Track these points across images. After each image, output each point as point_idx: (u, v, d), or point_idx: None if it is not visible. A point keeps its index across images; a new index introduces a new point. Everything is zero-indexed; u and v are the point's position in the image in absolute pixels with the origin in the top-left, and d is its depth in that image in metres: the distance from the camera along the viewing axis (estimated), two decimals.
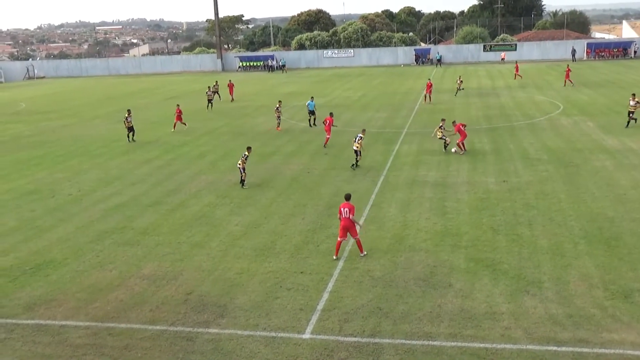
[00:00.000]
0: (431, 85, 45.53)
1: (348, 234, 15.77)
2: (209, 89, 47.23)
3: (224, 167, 26.83)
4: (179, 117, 37.15)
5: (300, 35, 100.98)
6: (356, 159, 25.64)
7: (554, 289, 13.59)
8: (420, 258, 15.70)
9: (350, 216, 15.52)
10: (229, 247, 17.09)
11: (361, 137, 25.23)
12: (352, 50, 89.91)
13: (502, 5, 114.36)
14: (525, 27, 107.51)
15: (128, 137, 34.18)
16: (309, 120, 37.14)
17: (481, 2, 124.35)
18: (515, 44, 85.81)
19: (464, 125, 27.74)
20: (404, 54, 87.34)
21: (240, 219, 19.55)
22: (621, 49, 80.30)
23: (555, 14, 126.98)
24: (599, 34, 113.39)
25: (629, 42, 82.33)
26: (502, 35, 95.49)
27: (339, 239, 15.88)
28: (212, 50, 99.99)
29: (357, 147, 25.09)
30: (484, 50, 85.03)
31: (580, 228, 17.33)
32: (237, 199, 21.84)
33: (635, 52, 79.09)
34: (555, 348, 11.26)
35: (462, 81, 49.64)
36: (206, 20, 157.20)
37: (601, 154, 26.16)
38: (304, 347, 11.73)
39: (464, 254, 15.86)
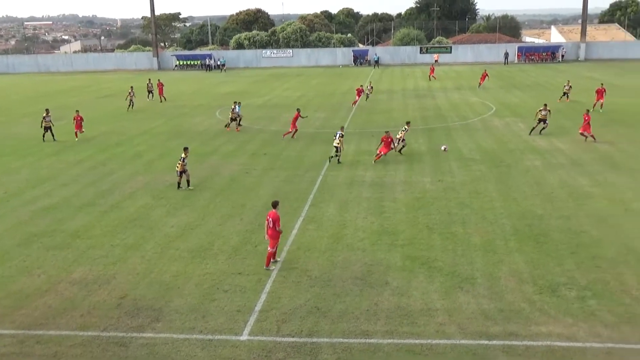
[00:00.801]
0: (361, 91, 44.94)
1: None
2: (132, 90, 45.49)
3: (160, 168, 26.29)
4: (79, 125, 33.10)
5: (238, 35, 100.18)
6: (337, 155, 26.42)
7: (486, 285, 13.99)
8: (358, 257, 15.85)
9: (277, 227, 14.83)
10: (165, 249, 16.75)
11: (342, 135, 26.49)
12: (291, 51, 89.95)
13: (438, 9, 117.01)
14: (460, 30, 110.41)
15: (44, 137, 32.82)
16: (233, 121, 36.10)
17: (418, 5, 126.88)
18: (451, 47, 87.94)
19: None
20: (343, 55, 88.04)
21: (177, 221, 19.19)
22: (550, 53, 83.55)
23: (488, 18, 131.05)
24: (529, 38, 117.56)
25: (557, 47, 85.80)
26: (438, 38, 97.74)
27: (269, 249, 15.20)
28: (148, 48, 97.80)
29: (338, 144, 26.20)
30: (420, 52, 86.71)
31: (511, 226, 17.91)
32: (173, 200, 21.44)
33: (562, 56, 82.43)
34: (486, 342, 11.59)
35: (372, 87, 49.06)
36: (142, 18, 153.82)
37: (531, 154, 27.12)
38: (241, 349, 11.62)
39: (401, 252, 16.11)
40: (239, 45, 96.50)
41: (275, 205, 15.15)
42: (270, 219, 14.84)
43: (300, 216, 19.24)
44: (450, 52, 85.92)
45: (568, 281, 14.08)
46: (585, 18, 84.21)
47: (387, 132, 26.57)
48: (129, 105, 44.62)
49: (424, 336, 11.88)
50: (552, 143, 29.26)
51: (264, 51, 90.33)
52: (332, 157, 26.62)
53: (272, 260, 15.31)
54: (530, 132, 31.47)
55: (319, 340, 11.86)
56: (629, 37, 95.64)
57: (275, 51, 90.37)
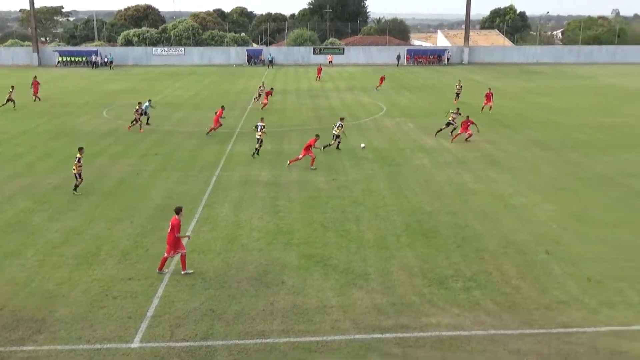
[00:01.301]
0: (270, 93, 44.54)
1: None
2: (12, 89, 42.40)
3: (42, 170, 24.77)
4: None
5: (127, 31, 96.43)
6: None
7: (379, 280, 14.38)
8: (254, 257, 15.75)
9: (176, 234, 14.34)
10: (47, 256, 15.78)
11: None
12: (183, 49, 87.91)
13: (331, 10, 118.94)
14: (352, 32, 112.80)
15: None
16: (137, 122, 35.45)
17: (311, 7, 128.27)
18: (343, 48, 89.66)
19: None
20: (237, 54, 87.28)
21: (61, 225, 18.15)
22: (436, 56, 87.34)
23: (379, 21, 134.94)
24: (418, 42, 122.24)
25: (442, 50, 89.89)
26: (330, 39, 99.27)
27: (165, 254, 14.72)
28: (27, 43, 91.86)
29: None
30: (314, 53, 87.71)
31: (402, 222, 18.52)
32: (57, 204, 20.26)
33: (448, 59, 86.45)
34: (380, 335, 11.90)
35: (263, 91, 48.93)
36: (20, 10, 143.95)
37: (420, 153, 28.21)
38: (132, 357, 11.19)
39: (296, 251, 16.20)
40: (128, 42, 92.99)
41: (177, 211, 14.66)
42: (170, 225, 14.41)
43: (194, 218, 18.84)
44: (343, 54, 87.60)
45: (455, 273, 14.77)
46: (468, 24, 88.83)
47: (317, 135, 26.30)
48: (11, 104, 41.41)
49: (320, 333, 12.01)
50: (440, 142, 30.59)
51: (154, 49, 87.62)
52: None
53: (183, 271, 14.66)
54: (436, 133, 32.04)
55: (214, 343, 11.66)
56: (508, 42, 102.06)
57: (166, 49, 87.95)
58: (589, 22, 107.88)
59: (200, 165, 25.77)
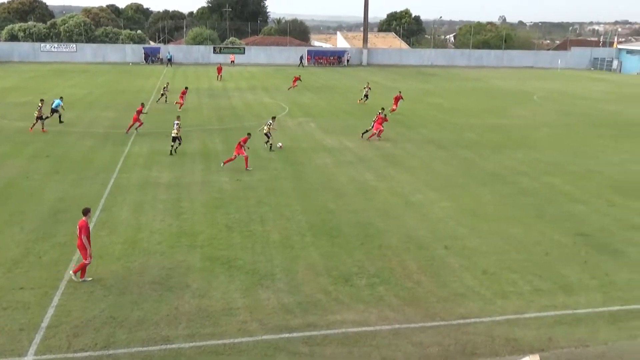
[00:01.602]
0: (185, 92, 43.31)
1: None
2: None
3: None
4: None
5: (11, 25, 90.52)
6: (174, 145, 27.29)
7: (285, 280, 14.40)
8: (156, 261, 15.29)
9: (82, 236, 13.73)
10: None
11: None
12: (74, 45, 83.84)
13: (230, 10, 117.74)
14: (253, 32, 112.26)
15: None
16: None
17: (210, 5, 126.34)
18: (244, 48, 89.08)
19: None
20: (133, 52, 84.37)
21: None
22: (336, 57, 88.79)
23: (279, 21, 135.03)
24: (318, 43, 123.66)
25: (342, 51, 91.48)
26: (231, 39, 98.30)
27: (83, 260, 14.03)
28: None
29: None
30: (214, 52, 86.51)
31: (306, 221, 18.66)
32: None
33: (348, 60, 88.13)
34: (287, 335, 11.92)
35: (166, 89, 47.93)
36: None
37: (323, 153, 28.55)
38: None
39: (200, 253, 15.89)
40: (13, 37, 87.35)
41: (85, 212, 14.06)
42: (78, 228, 13.78)
43: (91, 222, 17.99)
44: (244, 53, 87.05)
45: (359, 270, 15.07)
46: (366, 26, 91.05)
47: (248, 133, 26.09)
48: None
49: (227, 336, 11.85)
50: (341, 142, 31.11)
51: (43, 45, 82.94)
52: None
53: (81, 278, 13.98)
54: (362, 134, 32.35)
55: (116, 351, 11.20)
56: (404, 45, 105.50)
57: (56, 45, 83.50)
58: (479, 28, 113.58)
59: (97, 167, 24.68)
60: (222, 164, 25.13)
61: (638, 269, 15.55)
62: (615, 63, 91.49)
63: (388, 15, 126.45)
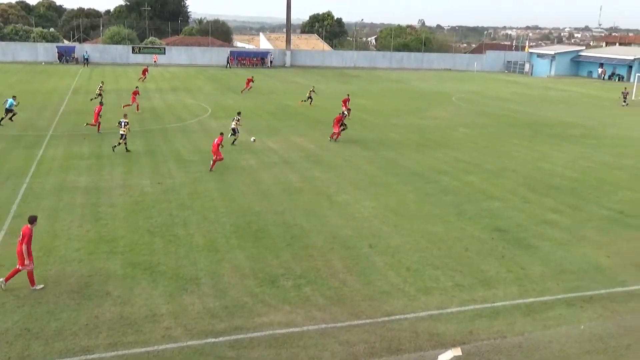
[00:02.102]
0: (137, 92, 42.02)
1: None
2: None
3: None
4: None
5: None
6: (121, 142, 27.50)
7: (210, 284, 14.17)
8: (74, 269, 14.67)
9: (23, 244, 13.20)
10: None
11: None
12: None
13: (149, 9, 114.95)
14: (173, 32, 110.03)
15: None
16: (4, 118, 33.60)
17: (127, 3, 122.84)
18: (164, 48, 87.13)
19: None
20: (46, 51, 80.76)
21: None
22: (259, 59, 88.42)
23: (200, 21, 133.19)
24: (241, 44, 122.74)
25: (265, 53, 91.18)
26: (150, 38, 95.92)
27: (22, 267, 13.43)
28: None
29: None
30: (133, 52, 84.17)
31: (231, 224, 18.44)
32: None
33: (271, 61, 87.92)
34: (213, 339, 11.72)
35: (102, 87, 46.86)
36: None
37: (247, 154, 28.32)
38: None
39: (121, 259, 15.38)
40: None
41: (31, 220, 13.66)
42: (20, 234, 13.40)
43: (1, 230, 17.06)
44: (164, 54, 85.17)
45: (285, 272, 15.03)
46: (289, 27, 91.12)
47: (221, 133, 26.13)
48: None
49: (151, 343, 11.52)
50: (265, 143, 30.97)
51: None
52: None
53: (33, 286, 13.51)
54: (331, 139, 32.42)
55: None
56: (327, 47, 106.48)
57: None
58: (399, 30, 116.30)
59: (7, 172, 23.42)
60: (210, 169, 24.84)
61: (550, 262, 16.33)
62: (527, 66, 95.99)
63: (310, 17, 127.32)
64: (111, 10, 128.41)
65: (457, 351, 7.60)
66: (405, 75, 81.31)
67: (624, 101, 54.86)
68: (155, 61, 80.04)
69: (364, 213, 20.02)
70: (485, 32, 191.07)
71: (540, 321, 13.06)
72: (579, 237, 18.40)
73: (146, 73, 60.74)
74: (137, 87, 43.86)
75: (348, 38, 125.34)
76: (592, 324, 12.93)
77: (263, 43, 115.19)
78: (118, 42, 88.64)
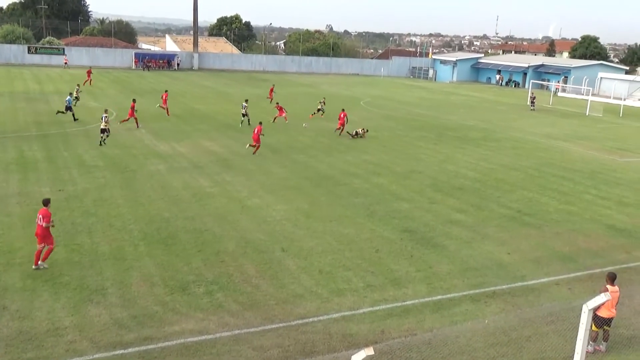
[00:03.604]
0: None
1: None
2: None
3: None
4: None
5: None
6: (103, 137, 29.52)
7: (118, 294, 13.63)
8: None
9: (43, 224, 14.46)
10: None
11: (106, 117, 30.12)
12: None
13: (47, 7, 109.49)
14: (73, 32, 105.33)
15: None
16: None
17: (22, 1, 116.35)
18: (63, 48, 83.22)
19: None
20: None
21: None
22: (166, 61, 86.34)
23: (102, 21, 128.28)
24: (146, 45, 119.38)
25: (172, 55, 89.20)
26: (48, 38, 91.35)
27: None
28: None
29: (105, 125, 29.64)
30: (29, 52, 79.83)
31: (139, 230, 17.84)
32: None
33: (178, 64, 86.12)
34: (122, 351, 11.27)
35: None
36: None
37: (155, 159, 27.55)
38: None
39: (19, 271, 14.50)
40: None
41: (45, 203, 15.01)
42: (40, 216, 14.54)
43: None
44: (63, 54, 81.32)
45: (197, 278, 14.72)
46: (196, 30, 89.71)
47: (260, 122, 27.51)
48: None
49: (53, 358, 10.92)
50: (174, 148, 30.27)
51: None
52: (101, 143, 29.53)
53: (39, 262, 14.73)
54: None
55: None
56: (235, 50, 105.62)
57: None
58: (307, 35, 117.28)
59: None
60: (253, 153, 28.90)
61: (456, 260, 16.97)
62: (431, 72, 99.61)
63: (218, 20, 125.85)
64: (4, 8, 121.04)
65: (369, 351, 7.72)
66: (314, 79, 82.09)
67: (532, 106, 57.93)
68: (65, 63, 76.34)
69: (276, 217, 19.97)
70: (391, 39, 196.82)
71: (447, 317, 13.53)
72: (482, 235, 19.26)
73: (90, 75, 58.38)
74: (166, 90, 44.52)
75: (257, 42, 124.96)
76: (496, 318, 13.55)
77: (169, 45, 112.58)
78: (12, 42, 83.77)
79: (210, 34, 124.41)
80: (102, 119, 30.08)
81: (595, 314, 11.54)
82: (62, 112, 37.32)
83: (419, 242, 18.28)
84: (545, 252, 17.99)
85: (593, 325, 11.57)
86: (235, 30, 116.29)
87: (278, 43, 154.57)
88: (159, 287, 14.15)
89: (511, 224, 20.58)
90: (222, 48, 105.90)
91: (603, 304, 10.91)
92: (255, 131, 29.69)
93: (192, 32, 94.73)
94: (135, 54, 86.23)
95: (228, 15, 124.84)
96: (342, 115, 36.69)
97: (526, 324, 13.36)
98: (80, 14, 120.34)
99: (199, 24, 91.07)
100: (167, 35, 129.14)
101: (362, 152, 31.74)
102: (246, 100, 39.11)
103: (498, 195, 24.35)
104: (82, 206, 19.88)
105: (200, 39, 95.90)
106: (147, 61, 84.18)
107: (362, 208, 21.53)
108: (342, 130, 36.29)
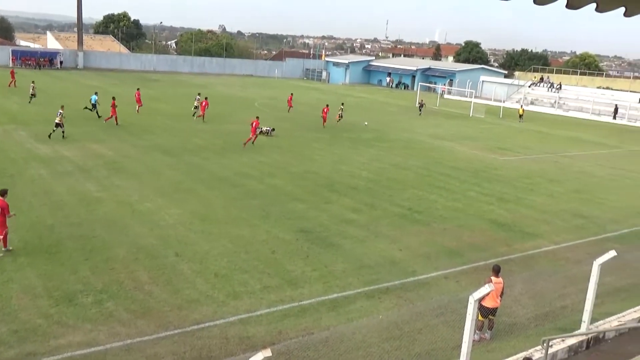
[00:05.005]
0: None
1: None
2: None
3: None
4: None
5: None
6: (59, 130, 31.29)
7: None
8: None
9: (6, 214, 15.48)
10: None
11: (61, 113, 31.73)
12: None
13: None
14: None
15: None
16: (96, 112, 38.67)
17: None
18: None
19: None
20: None
21: None
22: (47, 59, 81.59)
23: None
24: (25, 42, 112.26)
25: (55, 53, 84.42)
26: None
27: None
28: None
29: (59, 120, 31.31)
30: None
31: (19, 239, 16.69)
32: None
33: (61, 62, 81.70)
34: None
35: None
36: None
37: (36, 163, 25.94)
38: None
39: None
40: None
41: (3, 193, 15.66)
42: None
43: None
44: None
45: (84, 288, 14.00)
46: (80, 27, 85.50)
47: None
48: None
49: None
50: (57, 151, 28.67)
51: None
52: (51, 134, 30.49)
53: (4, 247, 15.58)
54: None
55: None
56: (124, 49, 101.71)
57: None
58: (200, 35, 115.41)
59: None
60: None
61: (351, 258, 17.31)
62: (324, 74, 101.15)
63: (105, 17, 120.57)
64: None
65: (267, 352, 7.64)
66: (208, 80, 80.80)
67: (420, 111, 58.94)
68: None
69: (169, 220, 19.43)
70: (285, 40, 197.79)
71: (344, 315, 13.76)
72: (376, 233, 19.77)
73: (14, 75, 55.55)
74: (206, 97, 43.54)
75: (147, 41, 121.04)
76: (389, 313, 13.95)
77: (51, 42, 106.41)
78: None
79: (97, 32, 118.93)
80: (57, 114, 31.66)
81: (481, 304, 12.16)
82: (90, 109, 39.76)
83: (314, 242, 18.46)
84: (434, 248, 18.78)
85: (479, 315, 12.20)
86: (124, 29, 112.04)
87: (169, 43, 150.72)
88: (43, 298, 13.31)
89: (402, 222, 21.29)
90: (109, 47, 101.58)
91: (487, 294, 11.52)
92: (253, 125, 32.76)
93: (76, 30, 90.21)
94: (13, 51, 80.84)
95: (115, 13, 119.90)
96: (254, 124, 35.58)
97: (418, 317, 13.86)
98: None
99: (84, 21, 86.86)
100: (48, 32, 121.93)
101: (257, 154, 31.63)
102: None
103: (390, 194, 25.12)
104: None
105: (85, 37, 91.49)
106: (26, 59, 79.17)
107: (258, 209, 21.44)
108: (255, 138, 33.67)
